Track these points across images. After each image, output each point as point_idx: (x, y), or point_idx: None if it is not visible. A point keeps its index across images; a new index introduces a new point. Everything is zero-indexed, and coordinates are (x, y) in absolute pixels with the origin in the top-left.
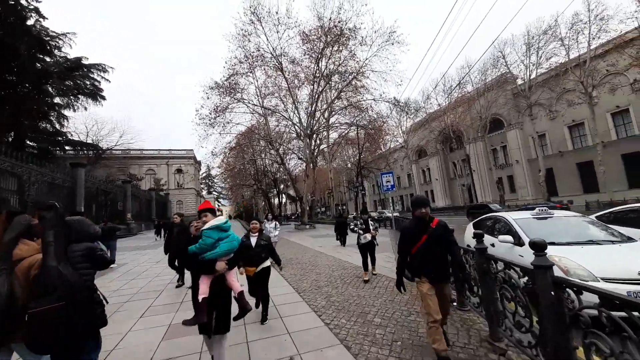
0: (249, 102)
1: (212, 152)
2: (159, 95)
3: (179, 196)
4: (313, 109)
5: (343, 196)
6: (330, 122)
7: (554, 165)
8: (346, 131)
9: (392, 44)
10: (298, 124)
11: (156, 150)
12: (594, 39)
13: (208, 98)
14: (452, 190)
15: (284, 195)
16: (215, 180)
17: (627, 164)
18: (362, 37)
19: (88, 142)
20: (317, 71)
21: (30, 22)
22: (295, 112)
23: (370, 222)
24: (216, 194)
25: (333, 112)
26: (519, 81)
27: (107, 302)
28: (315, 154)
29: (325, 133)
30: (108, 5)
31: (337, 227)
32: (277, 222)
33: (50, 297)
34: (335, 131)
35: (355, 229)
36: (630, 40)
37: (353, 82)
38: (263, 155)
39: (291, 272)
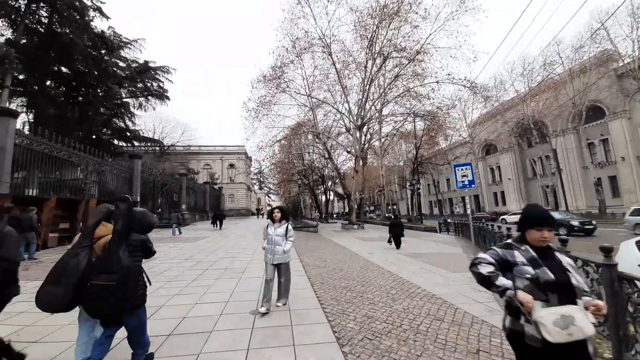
0: (295, 92)
1: (257, 145)
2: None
3: (231, 190)
4: (364, 97)
5: (394, 195)
6: (382, 113)
7: None
8: (401, 123)
9: (466, 11)
10: (347, 114)
11: (212, 146)
12: None
13: (254, 87)
14: (530, 192)
15: (331, 192)
16: (266, 176)
17: None
18: (426, 8)
19: (155, 138)
20: (370, 55)
21: (94, 22)
22: (345, 102)
23: (569, 266)
24: (267, 189)
25: (386, 102)
26: (626, 59)
27: (150, 284)
28: (365, 147)
29: (377, 126)
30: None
31: (391, 228)
32: (289, 225)
33: (108, 275)
34: (389, 124)
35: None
36: None
37: (412, 65)
38: (310, 150)
39: (332, 293)
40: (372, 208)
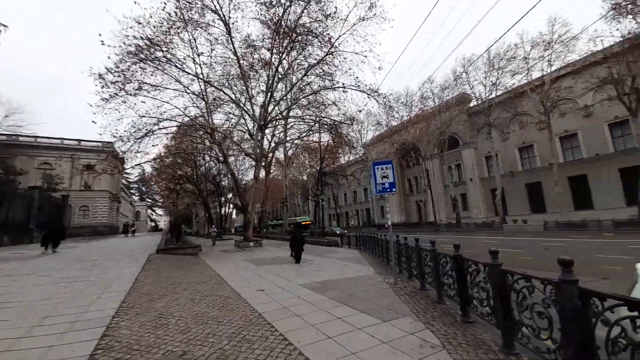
0: (178, 68)
1: (113, 134)
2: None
3: (86, 200)
4: (269, 94)
5: (297, 209)
6: (289, 119)
7: (505, 185)
8: (306, 133)
9: (375, 15)
10: (249, 112)
11: (57, 138)
12: (554, 60)
13: (106, 46)
14: (407, 206)
15: (230, 204)
16: (149, 184)
17: (572, 186)
18: (336, 7)
19: None
20: (276, 45)
21: None
22: (248, 99)
23: None
24: (150, 201)
25: (293, 105)
26: (478, 100)
27: None
28: (268, 153)
29: (282, 135)
30: None
31: (292, 242)
32: None
33: None
34: (295, 132)
35: None
36: (588, 64)
37: (320, 67)
38: (206, 155)
39: None
40: (273, 221)
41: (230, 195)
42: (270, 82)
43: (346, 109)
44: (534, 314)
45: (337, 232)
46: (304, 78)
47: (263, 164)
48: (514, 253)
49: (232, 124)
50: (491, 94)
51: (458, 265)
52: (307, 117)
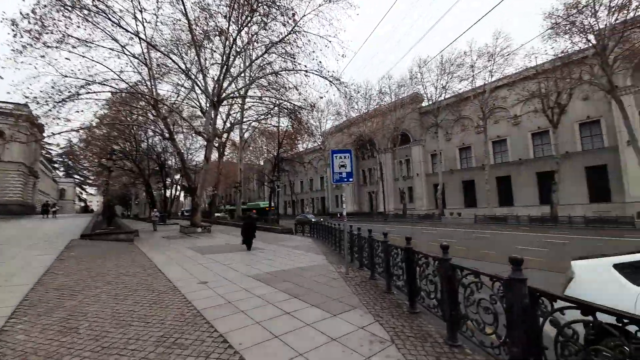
0: (114, 17)
1: (25, 95)
2: None
3: None
4: (224, 67)
5: (252, 194)
6: (246, 99)
7: (445, 181)
8: (263, 117)
9: None
10: (201, 85)
11: None
12: (495, 71)
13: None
14: (361, 196)
15: (179, 186)
16: (78, 157)
17: (499, 185)
18: None
19: None
20: (233, 14)
21: None
22: (197, 64)
23: None
24: (80, 178)
25: (251, 83)
26: (430, 101)
27: None
28: (222, 134)
29: (239, 115)
30: None
31: (244, 228)
32: None
33: None
34: (252, 114)
35: None
36: (522, 78)
37: (282, 47)
38: (144, 124)
39: None
40: (227, 207)
41: (177, 177)
42: (226, 54)
43: (307, 95)
44: (480, 309)
45: (313, 219)
46: (264, 56)
47: (216, 144)
48: (449, 243)
49: (181, 97)
50: (441, 96)
51: (408, 257)
52: (267, 98)
